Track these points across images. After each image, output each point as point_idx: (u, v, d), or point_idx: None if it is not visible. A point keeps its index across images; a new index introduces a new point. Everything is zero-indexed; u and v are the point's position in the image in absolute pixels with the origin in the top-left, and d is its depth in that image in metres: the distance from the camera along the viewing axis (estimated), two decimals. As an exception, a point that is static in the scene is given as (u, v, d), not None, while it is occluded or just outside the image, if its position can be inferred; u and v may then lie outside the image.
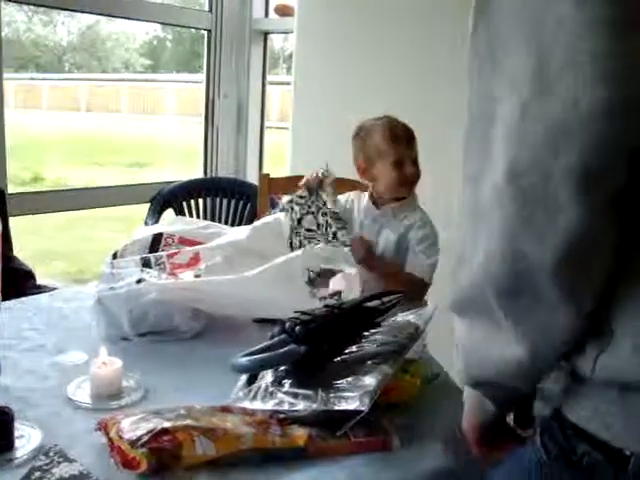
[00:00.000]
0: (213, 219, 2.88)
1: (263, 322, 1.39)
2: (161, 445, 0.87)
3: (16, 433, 0.93)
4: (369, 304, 1.22)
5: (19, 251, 2.22)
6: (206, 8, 3.20)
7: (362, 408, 0.91)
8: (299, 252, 1.43)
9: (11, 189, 2.56)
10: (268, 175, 2.34)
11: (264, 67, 3.36)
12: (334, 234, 1.77)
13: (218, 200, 2.99)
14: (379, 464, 0.94)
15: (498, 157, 0.57)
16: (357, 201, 1.94)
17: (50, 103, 7.43)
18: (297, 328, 1.01)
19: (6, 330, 1.35)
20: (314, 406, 0.95)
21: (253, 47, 3.29)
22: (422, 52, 2.49)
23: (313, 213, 1.81)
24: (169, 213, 2.78)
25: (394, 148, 1.80)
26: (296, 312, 1.08)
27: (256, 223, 1.71)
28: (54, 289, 1.87)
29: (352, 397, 0.94)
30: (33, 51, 5.87)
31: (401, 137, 1.80)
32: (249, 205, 2.89)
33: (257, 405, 0.99)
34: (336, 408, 0.94)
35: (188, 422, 0.91)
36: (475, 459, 1.00)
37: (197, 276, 1.42)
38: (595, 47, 0.50)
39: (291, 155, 2.82)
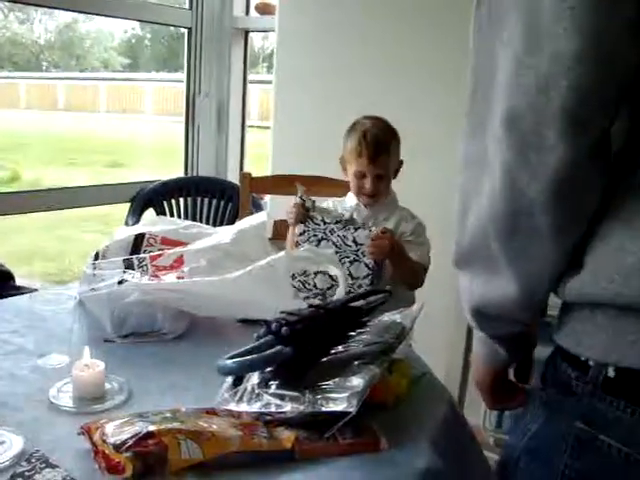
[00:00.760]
0: (194, 218, 2.87)
1: (247, 322, 1.38)
2: (146, 449, 0.86)
3: (-3, 439, 0.92)
4: (354, 304, 1.22)
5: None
6: (186, 6, 3.18)
7: (350, 409, 0.90)
8: (282, 253, 1.42)
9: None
10: (249, 174, 2.33)
11: (245, 65, 3.34)
12: (354, 241, 1.76)
13: (199, 199, 2.98)
14: (368, 465, 0.93)
15: (497, 106, 0.65)
16: (340, 204, 1.93)
17: (28, 102, 7.34)
18: (283, 329, 1.00)
19: (-15, 333, 1.33)
20: (301, 408, 0.94)
21: (234, 45, 3.27)
22: (405, 50, 2.49)
23: (324, 239, 1.79)
24: (150, 213, 2.76)
25: (357, 160, 1.81)
26: (282, 312, 1.07)
27: (240, 226, 1.69)
28: (33, 290, 1.85)
29: (340, 398, 0.93)
30: (10, 49, 5.79)
31: (368, 152, 1.79)
32: (230, 204, 2.88)
33: (243, 407, 0.98)
34: (324, 410, 0.93)
35: (174, 425, 0.89)
36: (462, 457, 1.01)
37: (180, 278, 1.41)
38: (573, 3, 0.58)
39: (272, 154, 2.80)
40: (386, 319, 1.20)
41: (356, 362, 1.02)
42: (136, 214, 2.70)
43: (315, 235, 1.79)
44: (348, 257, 1.74)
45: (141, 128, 7.05)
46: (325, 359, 1.05)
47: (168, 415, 0.93)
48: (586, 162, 0.63)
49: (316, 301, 1.36)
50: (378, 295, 1.27)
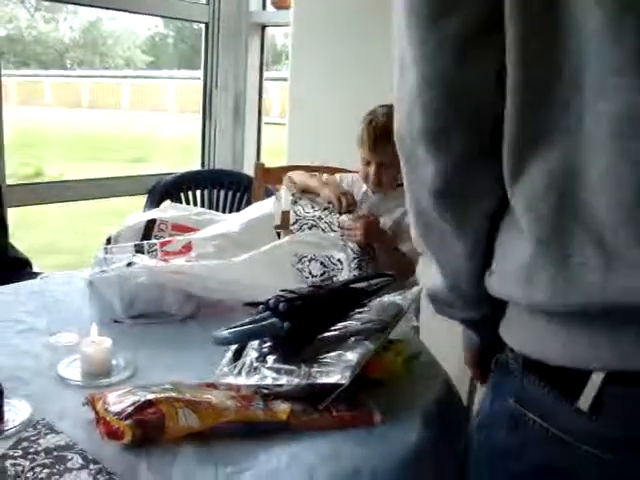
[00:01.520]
0: (210, 210, 2.91)
1: (253, 305, 1.40)
2: (145, 417, 0.89)
3: (6, 407, 0.96)
4: (356, 285, 1.25)
5: (21, 243, 2.26)
6: (203, 1, 3.22)
7: (342, 381, 0.93)
8: (287, 238, 1.45)
9: (11, 184, 2.60)
10: (263, 164, 2.36)
11: (261, 60, 3.37)
12: (340, 227, 1.79)
13: (215, 191, 3.02)
14: (361, 439, 0.96)
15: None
16: (358, 183, 1.97)
17: (52, 100, 7.44)
18: (281, 305, 1.03)
19: (0, 314, 1.37)
20: (296, 380, 0.97)
21: (250, 40, 3.30)
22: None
23: (314, 226, 1.84)
24: (166, 205, 2.80)
25: (362, 148, 1.86)
26: (282, 291, 1.10)
27: (249, 214, 1.72)
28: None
29: (333, 371, 0.96)
30: (35, 48, 5.88)
31: (370, 140, 1.82)
32: (246, 196, 2.92)
33: (241, 380, 1.01)
34: (317, 381, 0.95)
35: (172, 394, 0.93)
36: (455, 434, 1.03)
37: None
38: (408, 40, 0.67)
39: (288, 146, 2.83)
40: (385, 300, 1.22)
41: (352, 338, 1.05)
42: (153, 206, 2.74)
43: (306, 223, 1.85)
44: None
45: (163, 125, 7.12)
46: (322, 335, 1.07)
47: (168, 386, 0.97)
48: (458, 171, 0.70)
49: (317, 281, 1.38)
50: (380, 279, 1.30)
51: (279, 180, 2.41)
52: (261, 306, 1.07)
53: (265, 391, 0.99)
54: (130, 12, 3.08)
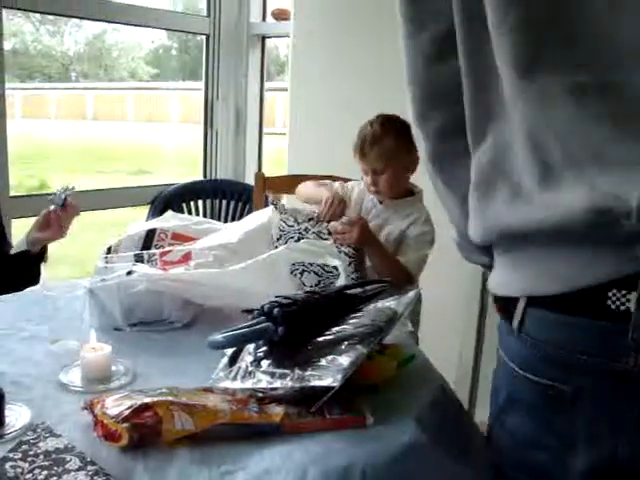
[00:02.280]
0: (211, 220, 2.93)
1: (251, 313, 1.42)
2: (142, 420, 0.91)
3: (7, 412, 0.98)
4: (351, 291, 1.27)
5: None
6: (204, 13, 3.26)
7: (334, 384, 0.95)
8: (284, 246, 1.47)
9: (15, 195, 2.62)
10: (263, 174, 2.39)
11: (262, 71, 3.41)
12: (330, 233, 1.79)
13: (217, 201, 3.04)
14: (353, 439, 0.97)
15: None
16: (357, 189, 1.98)
17: (57, 112, 7.50)
18: (275, 310, 1.05)
19: (2, 321, 1.40)
20: (290, 384, 0.99)
21: (251, 51, 3.34)
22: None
23: (301, 238, 1.79)
24: (167, 214, 2.82)
25: (355, 157, 1.87)
26: (277, 296, 1.12)
27: (246, 225, 1.74)
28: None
29: (325, 374, 0.97)
30: (40, 61, 5.93)
31: (361, 147, 1.84)
32: (247, 206, 2.94)
33: (237, 384, 1.03)
34: (310, 384, 0.97)
35: (168, 398, 0.95)
36: (450, 434, 1.04)
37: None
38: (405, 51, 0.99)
39: (288, 155, 2.86)
40: (380, 305, 1.24)
41: (346, 342, 1.06)
42: (155, 216, 2.76)
43: (292, 237, 1.80)
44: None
45: (167, 136, 7.16)
46: (316, 340, 1.09)
47: (165, 391, 0.99)
48: (442, 145, 0.97)
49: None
50: (376, 285, 1.32)
51: (279, 189, 2.43)
52: (256, 311, 1.10)
53: (260, 394, 1.01)
54: (133, 25, 3.12)
